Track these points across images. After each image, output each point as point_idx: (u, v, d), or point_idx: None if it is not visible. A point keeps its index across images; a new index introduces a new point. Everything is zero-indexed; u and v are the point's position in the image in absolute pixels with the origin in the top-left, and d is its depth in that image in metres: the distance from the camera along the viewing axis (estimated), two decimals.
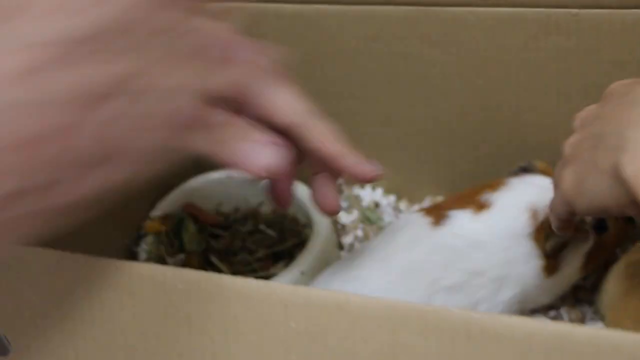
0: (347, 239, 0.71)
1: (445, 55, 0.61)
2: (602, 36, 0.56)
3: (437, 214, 0.56)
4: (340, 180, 0.75)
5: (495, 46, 0.59)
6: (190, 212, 0.74)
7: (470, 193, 0.57)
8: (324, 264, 0.66)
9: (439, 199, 0.71)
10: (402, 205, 0.73)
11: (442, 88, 0.63)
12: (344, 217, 0.72)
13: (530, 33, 0.57)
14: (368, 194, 0.73)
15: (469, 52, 0.60)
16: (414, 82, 0.64)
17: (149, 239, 0.71)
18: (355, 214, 0.72)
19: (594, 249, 0.55)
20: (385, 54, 0.63)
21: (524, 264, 0.53)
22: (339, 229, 0.72)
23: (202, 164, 0.78)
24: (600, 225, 0.54)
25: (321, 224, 0.68)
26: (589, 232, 0.54)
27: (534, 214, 0.53)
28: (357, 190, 0.74)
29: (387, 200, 0.73)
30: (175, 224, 0.72)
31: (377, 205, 0.73)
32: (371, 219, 0.71)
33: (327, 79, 0.67)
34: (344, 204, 0.74)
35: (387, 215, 0.72)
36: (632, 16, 0.54)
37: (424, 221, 0.56)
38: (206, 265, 0.70)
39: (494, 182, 0.57)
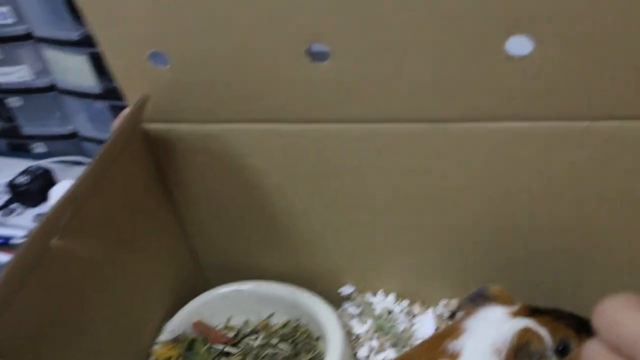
0: (362, 351, 0.68)
1: (454, 168, 0.59)
2: (615, 146, 0.55)
3: None
4: (351, 288, 0.73)
5: (506, 158, 0.57)
6: (199, 331, 0.72)
7: (435, 343, 0.55)
8: None
9: (453, 302, 0.69)
10: (416, 309, 0.71)
11: (453, 198, 0.62)
12: (357, 327, 0.70)
13: (540, 145, 0.56)
14: (380, 301, 0.71)
15: (479, 165, 0.59)
16: (422, 194, 0.62)
17: None
18: (368, 324, 0.70)
19: None
20: (392, 169, 0.61)
21: None
22: (353, 340, 0.70)
23: (209, 280, 0.76)
24: (563, 349, 0.52)
25: (335, 337, 0.66)
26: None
27: (498, 351, 0.51)
28: (369, 297, 0.72)
29: (400, 307, 0.71)
30: (185, 347, 0.70)
31: (389, 312, 0.71)
32: (384, 329, 0.69)
33: (334, 193, 0.65)
34: (356, 312, 0.72)
35: (401, 323, 0.69)
36: None
37: None
38: None
39: (452, 328, 0.54)
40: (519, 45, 0.51)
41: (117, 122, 0.63)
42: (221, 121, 0.63)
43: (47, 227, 0.52)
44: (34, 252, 0.51)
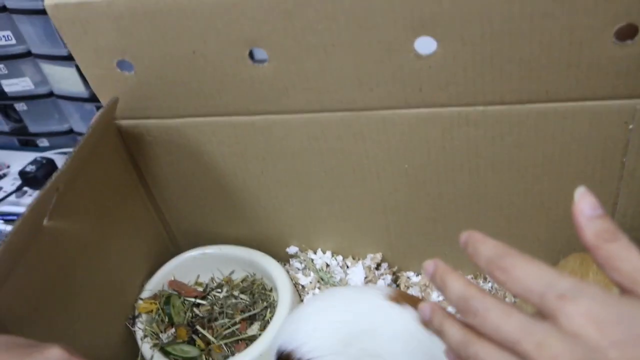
0: (307, 298, 0.63)
1: (374, 147, 0.54)
2: (504, 126, 0.50)
3: None
4: (295, 248, 0.67)
5: (417, 138, 0.52)
6: (174, 288, 0.66)
7: None
8: None
9: (378, 255, 0.64)
10: (349, 262, 0.65)
11: (375, 172, 0.56)
12: (302, 279, 0.64)
13: (445, 127, 0.51)
14: (320, 258, 0.65)
15: (395, 144, 0.53)
16: (349, 170, 0.57)
17: (143, 318, 0.62)
18: (311, 276, 0.64)
19: None
20: (324, 150, 0.55)
21: None
22: (300, 290, 0.64)
23: (179, 245, 0.70)
24: None
25: (285, 288, 0.61)
26: None
27: None
28: (310, 255, 0.66)
29: (335, 262, 0.65)
30: (163, 301, 0.64)
31: (327, 266, 0.65)
32: (324, 279, 0.64)
33: (279, 172, 0.59)
34: (300, 267, 0.66)
35: (337, 274, 0.64)
36: (525, 109, 0.48)
37: None
38: (193, 334, 0.62)
39: None
40: (425, 44, 0.46)
41: (93, 119, 0.56)
42: (181, 116, 0.56)
43: (37, 210, 0.47)
44: (27, 231, 0.46)
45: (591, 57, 0.44)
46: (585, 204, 0.29)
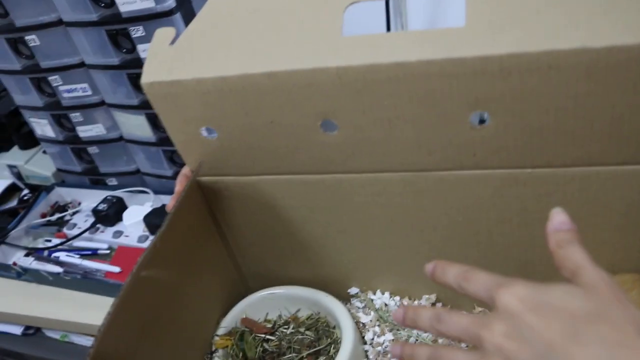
0: (368, 335, 0.68)
1: (431, 204, 0.59)
2: (551, 186, 0.55)
3: None
4: (356, 289, 0.73)
5: (471, 195, 0.57)
6: (246, 325, 0.72)
7: None
8: (355, 358, 0.64)
9: (432, 296, 0.70)
10: (405, 302, 0.71)
11: (432, 225, 0.61)
12: (363, 318, 0.70)
13: (496, 185, 0.56)
14: (379, 298, 0.71)
15: (450, 201, 0.59)
16: (408, 222, 0.62)
17: (220, 353, 0.69)
18: (371, 315, 0.70)
19: None
20: (386, 205, 0.61)
21: None
22: (361, 327, 0.70)
23: (250, 287, 0.76)
24: None
25: (347, 325, 0.66)
26: None
27: None
28: (370, 295, 0.72)
29: (393, 301, 0.71)
30: (237, 337, 0.70)
31: (386, 305, 0.71)
32: (383, 317, 0.69)
33: (344, 222, 0.65)
34: (361, 306, 0.72)
35: None
36: (570, 172, 0.54)
37: None
38: None
39: None
40: (480, 118, 0.52)
41: (180, 180, 0.63)
42: (257, 174, 0.63)
43: (140, 264, 0.53)
44: (132, 281, 0.52)
45: (630, 130, 0.49)
46: (554, 220, 0.41)
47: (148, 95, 0.58)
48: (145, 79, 0.57)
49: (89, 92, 0.98)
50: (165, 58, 0.57)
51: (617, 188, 0.54)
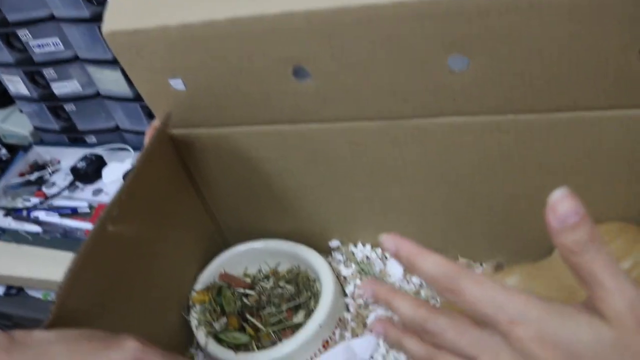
0: (349, 288, 0.67)
1: (410, 152, 0.57)
2: (532, 132, 0.52)
3: None
4: (337, 242, 0.71)
5: (451, 143, 0.55)
6: (224, 280, 0.71)
7: None
8: (335, 311, 0.63)
9: None
10: (387, 254, 0.69)
11: (411, 174, 0.59)
12: (344, 271, 0.69)
13: (477, 132, 0.54)
14: (360, 250, 0.70)
15: (430, 149, 0.56)
16: (386, 172, 0.60)
17: (197, 308, 0.67)
18: (352, 267, 0.68)
19: None
20: (362, 155, 0.59)
21: None
22: (341, 280, 0.68)
23: (228, 241, 0.74)
24: None
25: (328, 278, 0.65)
26: None
27: None
28: (351, 248, 0.70)
29: (375, 254, 0.69)
30: (215, 292, 0.69)
31: (367, 258, 0.69)
32: (365, 270, 0.68)
33: (320, 173, 0.62)
34: (342, 259, 0.70)
35: (377, 265, 0.68)
36: (554, 118, 0.51)
37: None
38: (243, 322, 0.67)
39: None
40: (458, 61, 0.49)
41: (149, 133, 0.60)
42: (228, 125, 0.60)
43: (105, 218, 0.51)
44: (96, 236, 0.50)
45: (616, 73, 0.46)
46: (558, 209, 0.31)
47: (110, 45, 0.55)
48: (106, 28, 0.54)
49: (62, 47, 0.95)
50: (126, 5, 0.54)
51: (602, 134, 0.51)
